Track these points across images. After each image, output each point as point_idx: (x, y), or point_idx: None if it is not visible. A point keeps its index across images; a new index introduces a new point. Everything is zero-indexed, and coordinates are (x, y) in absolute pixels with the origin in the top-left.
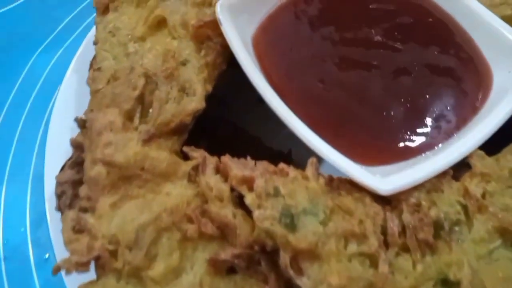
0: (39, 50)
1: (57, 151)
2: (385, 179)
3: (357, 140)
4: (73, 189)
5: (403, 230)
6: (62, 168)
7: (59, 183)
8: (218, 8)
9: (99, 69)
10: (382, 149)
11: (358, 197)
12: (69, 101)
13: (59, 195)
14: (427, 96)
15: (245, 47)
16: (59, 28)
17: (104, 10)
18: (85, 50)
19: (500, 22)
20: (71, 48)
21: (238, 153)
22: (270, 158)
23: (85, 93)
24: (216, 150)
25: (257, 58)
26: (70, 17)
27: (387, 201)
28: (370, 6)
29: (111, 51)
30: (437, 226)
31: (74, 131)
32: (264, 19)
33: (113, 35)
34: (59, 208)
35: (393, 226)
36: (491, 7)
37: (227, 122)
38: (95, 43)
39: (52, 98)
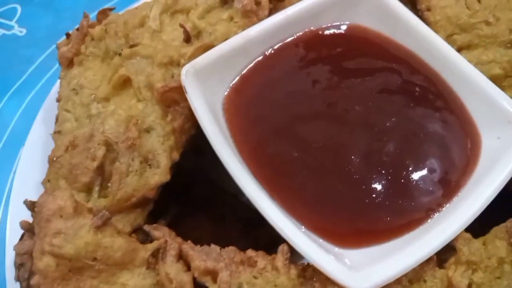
0: (8, 94)
1: (20, 214)
2: (362, 274)
3: (334, 220)
4: (32, 261)
5: None
6: (22, 237)
7: (17, 254)
8: (183, 73)
9: (59, 132)
10: (360, 230)
11: None
12: (35, 156)
13: (18, 266)
14: (410, 168)
15: (214, 113)
16: (31, 69)
17: (68, 64)
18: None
19: (490, 84)
20: (44, 91)
21: (213, 213)
22: (244, 226)
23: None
24: (190, 210)
25: (227, 123)
26: (43, 56)
27: None
28: (350, 66)
29: (73, 111)
30: None
31: (39, 189)
32: (236, 80)
33: (76, 93)
34: (18, 279)
35: None
36: (479, 64)
37: (204, 181)
38: (57, 100)
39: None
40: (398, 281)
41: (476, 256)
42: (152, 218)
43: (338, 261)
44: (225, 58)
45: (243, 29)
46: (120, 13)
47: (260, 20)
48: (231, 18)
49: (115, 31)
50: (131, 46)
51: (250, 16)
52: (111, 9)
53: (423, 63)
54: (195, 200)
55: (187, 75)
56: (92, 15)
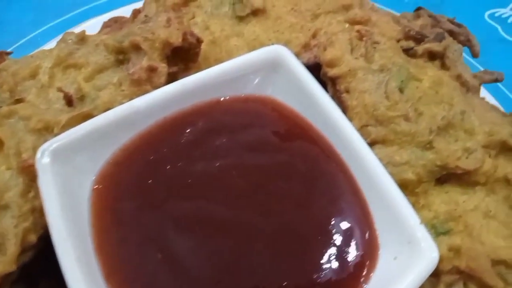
0: None
1: None
2: None
3: None
4: None
5: None
6: None
7: None
8: (38, 154)
9: None
10: None
11: None
12: None
13: None
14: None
15: (73, 203)
16: None
17: None
18: None
19: (398, 193)
20: None
21: None
22: None
23: None
24: None
25: (91, 216)
26: None
27: None
28: (248, 146)
29: None
30: None
31: None
32: (110, 160)
33: None
34: None
35: None
36: (390, 165)
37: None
38: None
39: None
40: None
41: None
42: None
43: None
44: (100, 133)
45: (131, 99)
46: (17, 58)
47: (155, 87)
48: (120, 84)
49: (3, 81)
50: (16, 101)
51: (142, 85)
52: (8, 53)
53: (333, 151)
54: None
55: (42, 157)
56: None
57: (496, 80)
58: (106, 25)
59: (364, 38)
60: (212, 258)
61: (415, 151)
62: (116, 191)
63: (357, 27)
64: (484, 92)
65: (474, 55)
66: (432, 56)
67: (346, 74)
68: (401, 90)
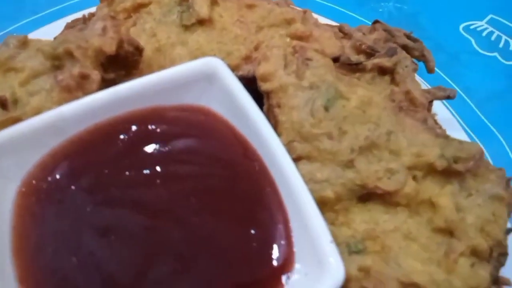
0: None
1: None
2: None
3: None
4: None
5: None
6: None
7: None
8: None
9: None
10: None
11: None
12: None
13: None
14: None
15: None
16: None
17: None
18: None
19: (315, 211)
20: None
21: None
22: None
23: None
24: None
25: (14, 219)
26: None
27: None
28: (176, 157)
29: None
30: None
31: None
32: (35, 167)
33: None
34: None
35: None
36: (312, 182)
37: None
38: None
39: None
40: None
41: None
42: None
43: None
44: (26, 138)
45: (60, 105)
46: None
47: (87, 94)
48: (52, 90)
49: None
50: None
51: (72, 91)
52: None
53: (262, 164)
54: None
55: None
56: None
57: (448, 97)
58: (68, 26)
59: (296, 55)
60: (125, 265)
61: (336, 169)
62: (38, 195)
63: (294, 42)
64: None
65: (429, 70)
66: (382, 71)
67: (278, 89)
68: (326, 109)
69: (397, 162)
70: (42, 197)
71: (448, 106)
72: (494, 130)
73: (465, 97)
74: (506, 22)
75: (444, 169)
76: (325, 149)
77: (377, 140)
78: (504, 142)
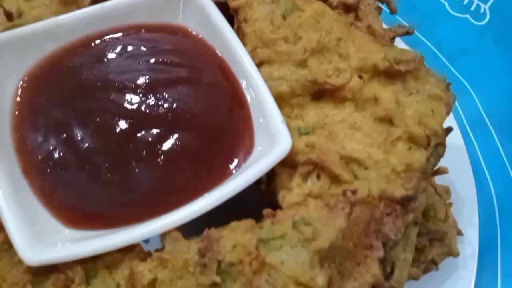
0: None
1: None
2: (41, 248)
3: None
4: None
5: None
6: None
7: None
8: None
9: None
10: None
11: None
12: None
13: None
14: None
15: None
16: None
17: None
18: None
19: (271, 100)
20: None
21: None
22: None
23: None
24: None
25: (15, 112)
26: None
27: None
28: (154, 66)
29: None
30: None
31: None
32: (36, 64)
33: None
34: None
35: None
36: (270, 80)
37: None
38: None
39: None
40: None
41: (171, 255)
42: None
43: (28, 231)
44: (27, 39)
45: (56, 15)
46: None
47: (79, 8)
48: (51, 3)
49: None
50: None
51: (68, 5)
52: None
53: (230, 71)
54: None
55: None
56: None
57: (407, 33)
58: None
59: None
60: (108, 136)
61: (291, 68)
62: (37, 89)
63: None
64: None
65: (392, 10)
66: (346, 8)
67: (244, 5)
68: (284, 17)
69: (345, 63)
70: (39, 91)
71: None
72: (465, 82)
73: (437, 52)
74: None
75: (387, 69)
76: (282, 51)
77: (328, 44)
78: (473, 94)
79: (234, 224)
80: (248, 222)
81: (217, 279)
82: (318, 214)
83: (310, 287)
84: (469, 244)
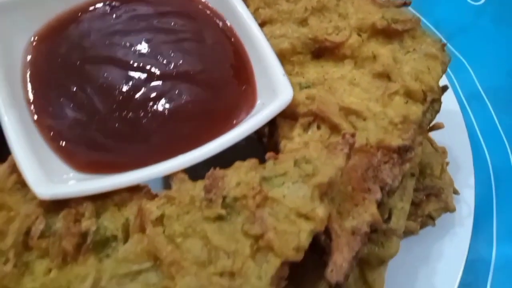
0: None
1: None
2: (53, 185)
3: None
4: None
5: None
6: None
7: None
8: None
9: None
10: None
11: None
12: None
13: None
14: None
15: (9, 46)
16: None
17: None
18: None
19: (272, 56)
20: None
21: None
22: None
23: None
24: None
25: (28, 67)
26: None
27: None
28: (160, 25)
29: None
30: (85, 238)
31: None
32: (44, 26)
33: None
34: None
35: (36, 229)
36: (272, 38)
37: None
38: None
39: None
40: (91, 200)
41: (177, 193)
42: None
43: (40, 170)
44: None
45: None
46: None
47: None
48: None
49: None
50: None
51: None
52: None
53: (234, 33)
54: None
55: None
56: None
57: (405, 4)
58: None
59: None
60: (116, 91)
61: (292, 26)
62: (46, 46)
63: None
64: None
65: None
66: None
67: None
68: None
69: (344, 22)
70: (51, 48)
71: None
72: (462, 58)
73: (435, 30)
74: None
75: (385, 28)
76: (283, 10)
77: (328, 3)
78: (470, 69)
79: (238, 163)
80: (252, 162)
81: (223, 212)
82: (318, 154)
83: (311, 218)
84: (465, 203)
